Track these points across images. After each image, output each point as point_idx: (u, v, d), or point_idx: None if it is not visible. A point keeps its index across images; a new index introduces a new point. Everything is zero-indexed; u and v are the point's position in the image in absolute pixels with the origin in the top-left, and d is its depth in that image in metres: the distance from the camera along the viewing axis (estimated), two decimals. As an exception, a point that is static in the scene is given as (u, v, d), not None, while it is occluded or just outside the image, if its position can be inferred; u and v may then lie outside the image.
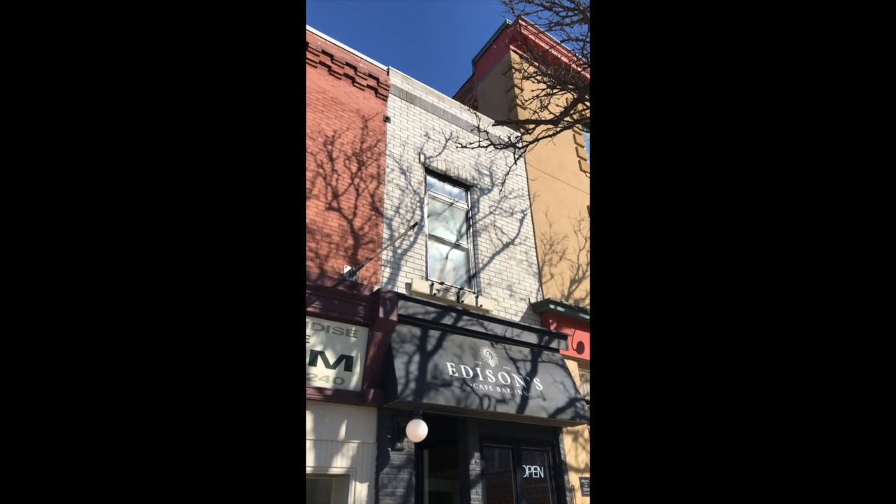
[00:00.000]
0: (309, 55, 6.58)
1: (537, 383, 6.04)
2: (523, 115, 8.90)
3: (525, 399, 5.70)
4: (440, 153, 7.39)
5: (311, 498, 6.38)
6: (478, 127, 6.70)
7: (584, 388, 7.30)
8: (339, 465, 4.74)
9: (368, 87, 7.07)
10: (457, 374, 5.38)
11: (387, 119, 7.04)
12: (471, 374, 5.52)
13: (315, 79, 6.58)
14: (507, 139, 7.84)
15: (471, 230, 7.22)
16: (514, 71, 9.43)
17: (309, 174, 5.84)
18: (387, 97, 7.23)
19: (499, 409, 5.39)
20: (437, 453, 6.17)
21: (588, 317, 7.19)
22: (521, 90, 9.33)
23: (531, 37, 9.82)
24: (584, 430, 6.80)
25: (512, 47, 9.90)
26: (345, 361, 5.07)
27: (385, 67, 7.45)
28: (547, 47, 9.81)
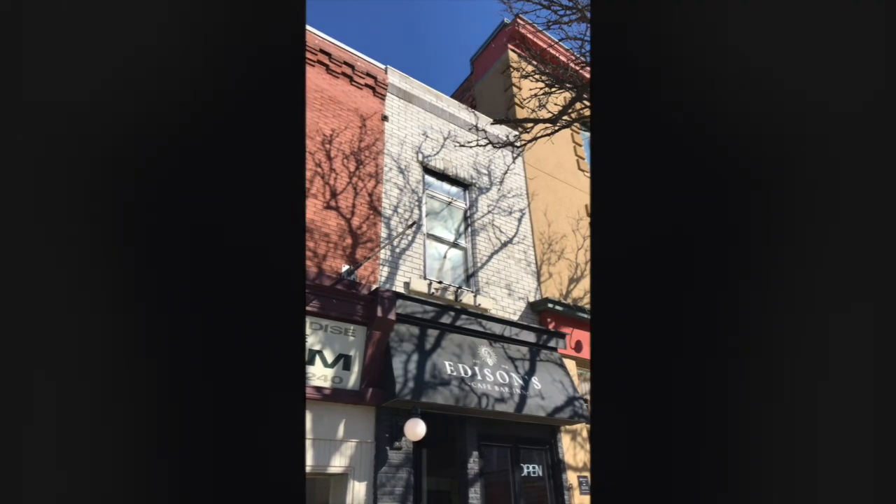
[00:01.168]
0: (307, 54, 6.56)
1: (535, 382, 6.04)
2: (521, 113, 8.90)
3: (523, 398, 5.71)
4: (438, 152, 7.39)
5: (309, 497, 6.38)
6: (476, 126, 6.70)
7: (582, 387, 7.31)
8: (338, 464, 4.74)
9: (366, 85, 7.06)
10: (455, 373, 5.39)
11: (385, 118, 7.03)
12: (469, 373, 5.52)
13: (313, 77, 6.57)
14: (505, 138, 7.85)
15: (469, 229, 7.22)
16: (512, 70, 9.43)
17: (307, 173, 5.83)
18: (385, 96, 7.22)
19: (497, 407, 5.40)
20: (436, 452, 6.17)
21: (586, 316, 7.20)
22: (520, 89, 9.33)
23: (529, 35, 9.82)
24: (583, 428, 6.82)
25: (510, 46, 9.90)
26: (343, 360, 5.07)
27: (383, 66, 7.43)
28: (545, 46, 9.81)
